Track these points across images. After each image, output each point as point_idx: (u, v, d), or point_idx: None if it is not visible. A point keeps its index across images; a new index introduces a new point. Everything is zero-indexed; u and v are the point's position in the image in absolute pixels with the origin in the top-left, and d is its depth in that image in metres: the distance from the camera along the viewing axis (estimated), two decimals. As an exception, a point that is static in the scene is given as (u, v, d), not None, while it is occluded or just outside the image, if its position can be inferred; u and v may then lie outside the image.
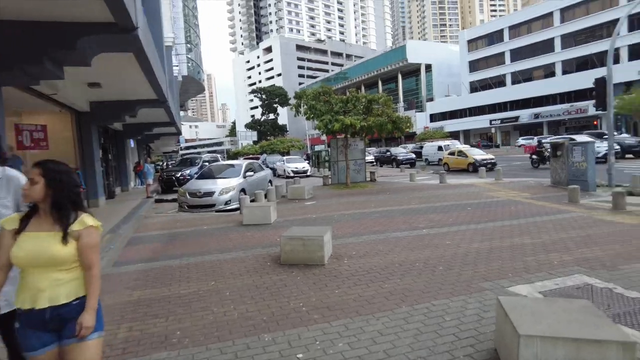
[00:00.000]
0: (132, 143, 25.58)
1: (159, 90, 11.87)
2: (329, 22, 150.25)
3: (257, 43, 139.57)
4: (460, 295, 4.34)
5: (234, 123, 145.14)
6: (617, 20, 49.38)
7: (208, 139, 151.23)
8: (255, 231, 8.43)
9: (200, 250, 7.16)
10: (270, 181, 15.61)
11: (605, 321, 2.72)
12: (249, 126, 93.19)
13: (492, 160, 22.14)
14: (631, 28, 49.53)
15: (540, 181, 15.34)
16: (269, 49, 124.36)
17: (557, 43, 56.32)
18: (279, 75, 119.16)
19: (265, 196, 13.38)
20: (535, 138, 25.20)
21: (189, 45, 36.53)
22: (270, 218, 9.12)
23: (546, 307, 2.91)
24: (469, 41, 68.74)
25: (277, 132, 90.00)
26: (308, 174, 27.37)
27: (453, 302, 4.16)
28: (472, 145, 40.75)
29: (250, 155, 49.72)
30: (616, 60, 49.92)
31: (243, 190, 12.77)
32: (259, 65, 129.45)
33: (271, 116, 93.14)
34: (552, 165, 14.34)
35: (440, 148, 31.73)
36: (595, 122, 38.96)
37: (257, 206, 9.47)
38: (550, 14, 57.21)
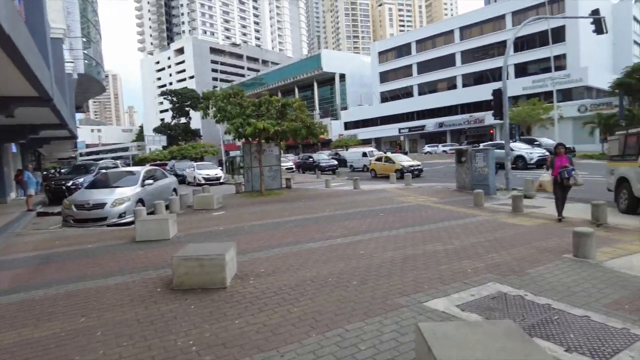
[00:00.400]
0: (13, 148, 22.12)
1: (40, 87, 10.09)
2: (244, 26, 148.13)
3: (168, 44, 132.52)
4: (375, 315, 3.89)
5: (141, 127, 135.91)
6: (505, 41, 55.35)
7: (113, 144, 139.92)
8: (149, 249, 7.33)
9: (78, 275, 5.94)
10: (175, 190, 14.26)
11: (532, 346, 2.40)
12: (158, 130, 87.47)
13: (419, 167, 22.53)
14: (516, 49, 55.70)
15: (447, 186, 16.07)
16: (180, 50, 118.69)
17: (458, 58, 61.40)
18: (192, 77, 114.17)
19: (168, 207, 12.12)
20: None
21: (84, 39, 32.90)
22: (168, 232, 8.05)
23: (471, 333, 2.52)
24: (380, 53, 72.12)
25: (189, 137, 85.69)
26: (221, 181, 26.04)
27: (368, 324, 3.69)
28: (391, 152, 42.39)
29: (158, 162, 46.44)
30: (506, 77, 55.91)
31: (141, 201, 11.38)
32: (169, 67, 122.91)
33: (183, 120, 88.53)
34: (457, 171, 15.06)
35: (364, 154, 32.01)
36: (491, 131, 42.83)
37: (153, 219, 8.31)
38: (452, 31, 62.28)
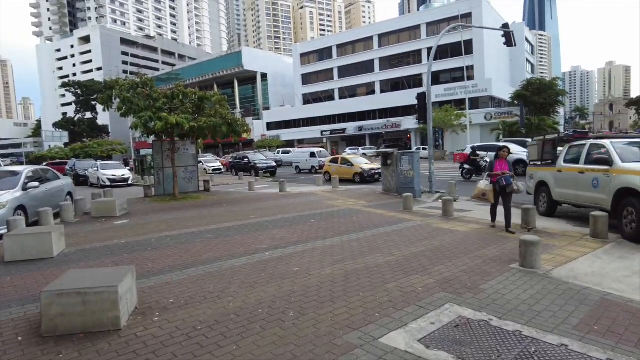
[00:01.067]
0: None
1: None
2: (159, 18, 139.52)
3: (71, 30, 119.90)
4: (323, 364, 3.00)
5: (39, 121, 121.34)
6: (419, 50, 58.29)
7: (2, 139, 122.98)
8: (20, 273, 5.64)
9: None
10: (70, 194, 12.07)
11: None
12: (58, 125, 78.17)
13: (379, 171, 19.36)
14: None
15: (372, 189, 15.82)
16: (86, 39, 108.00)
17: (377, 64, 63.43)
18: (99, 69, 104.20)
19: (58, 215, 10.10)
20: (469, 146, 23.84)
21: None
22: (51, 249, 6.37)
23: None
24: (302, 55, 72.01)
25: (95, 134, 77.83)
26: (129, 182, 23.41)
27: (315, 381, 2.78)
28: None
29: (57, 160, 41.20)
30: (420, 85, 58.92)
31: (22, 208, 9.27)
32: (73, 56, 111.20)
33: (88, 115, 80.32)
34: (383, 174, 14.85)
35: (313, 154, 30.12)
36: (408, 136, 44.71)
37: (29, 233, 6.53)
38: (371, 38, 64.17)
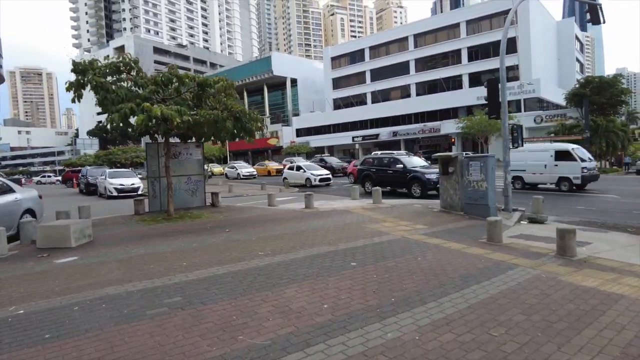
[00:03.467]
0: None
1: None
2: (191, 27, 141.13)
3: (108, 41, 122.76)
4: None
5: (77, 130, 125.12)
6: (459, 50, 54.14)
7: (43, 147, 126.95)
8: None
9: None
10: (30, 211, 9.18)
11: None
12: (92, 133, 78.62)
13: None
14: (470, 59, 54.75)
15: (427, 204, 12.24)
16: (121, 49, 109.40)
17: (412, 66, 59.55)
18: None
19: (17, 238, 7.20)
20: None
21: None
22: None
23: None
24: (333, 58, 69.10)
25: (126, 141, 77.61)
26: (140, 192, 20.76)
27: None
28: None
29: (77, 167, 39.88)
30: (459, 86, 54.67)
31: None
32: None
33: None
34: (443, 185, 11.27)
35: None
36: (452, 140, 40.61)
37: None
38: (406, 38, 60.42)
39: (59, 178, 38.10)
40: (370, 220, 9.41)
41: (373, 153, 33.80)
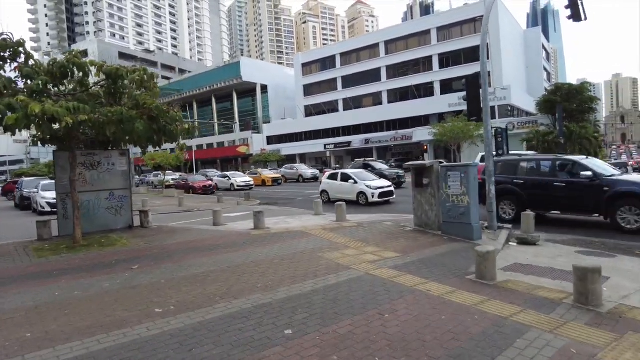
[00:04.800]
0: None
1: None
2: (159, 32, 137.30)
3: (70, 45, 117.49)
4: None
5: (34, 136, 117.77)
6: (430, 57, 53.54)
7: (2, 155, 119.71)
8: None
9: None
10: None
11: None
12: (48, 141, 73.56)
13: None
14: (441, 65, 54.29)
15: (395, 219, 10.44)
16: (84, 53, 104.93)
17: (383, 73, 58.65)
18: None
19: None
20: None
21: None
22: None
23: None
24: (304, 65, 67.59)
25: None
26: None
27: None
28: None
29: (16, 179, 36.34)
30: (431, 93, 54.04)
31: None
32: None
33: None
34: (416, 199, 9.50)
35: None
36: (424, 147, 39.45)
37: None
38: (377, 45, 59.54)
39: None
40: (329, 247, 7.50)
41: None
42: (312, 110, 65.32)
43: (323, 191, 17.53)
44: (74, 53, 7.01)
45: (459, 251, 7.26)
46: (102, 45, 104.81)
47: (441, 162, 9.50)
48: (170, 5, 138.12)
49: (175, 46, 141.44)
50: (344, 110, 61.55)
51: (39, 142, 7.89)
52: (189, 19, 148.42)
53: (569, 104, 37.99)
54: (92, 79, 7.67)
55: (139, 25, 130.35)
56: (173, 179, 35.72)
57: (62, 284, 5.58)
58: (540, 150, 30.57)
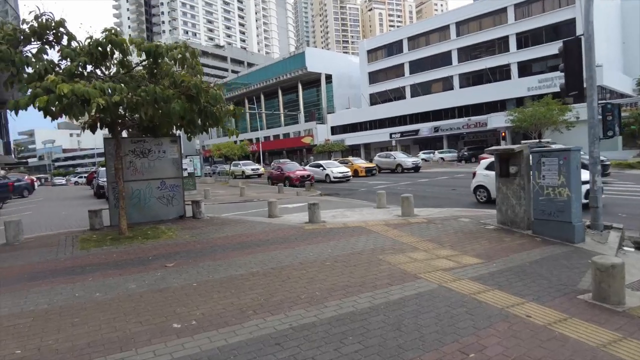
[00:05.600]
0: None
1: None
2: (229, 27, 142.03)
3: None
4: None
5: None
6: (506, 37, 49.13)
7: (91, 148, 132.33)
8: None
9: None
10: None
11: None
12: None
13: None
14: (519, 46, 49.53)
15: (477, 216, 8.91)
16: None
17: (454, 56, 54.96)
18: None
19: None
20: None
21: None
22: None
23: None
24: (369, 51, 65.52)
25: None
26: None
27: None
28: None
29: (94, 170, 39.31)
30: (507, 77, 49.58)
31: None
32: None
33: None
34: (501, 192, 7.94)
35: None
36: (503, 134, 36.17)
37: None
38: (447, 27, 55.83)
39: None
40: (393, 248, 6.31)
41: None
42: (377, 99, 63.27)
43: (479, 187, 12.83)
44: (112, 31, 6.45)
45: (559, 257, 5.71)
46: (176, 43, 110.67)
47: (540, 144, 7.79)
48: (238, 0, 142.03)
49: (243, 40, 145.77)
50: (412, 97, 58.77)
51: (88, 129, 7.54)
52: (256, 13, 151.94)
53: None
54: (135, 60, 7.13)
55: (210, 22, 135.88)
56: (253, 169, 36.76)
57: (89, 282, 5.02)
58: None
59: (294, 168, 25.95)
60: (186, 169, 20.71)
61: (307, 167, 27.00)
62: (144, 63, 7.09)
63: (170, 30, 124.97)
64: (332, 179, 24.98)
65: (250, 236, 7.53)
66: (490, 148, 8.12)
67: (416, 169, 29.91)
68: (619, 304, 3.93)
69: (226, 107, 7.24)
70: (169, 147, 9.50)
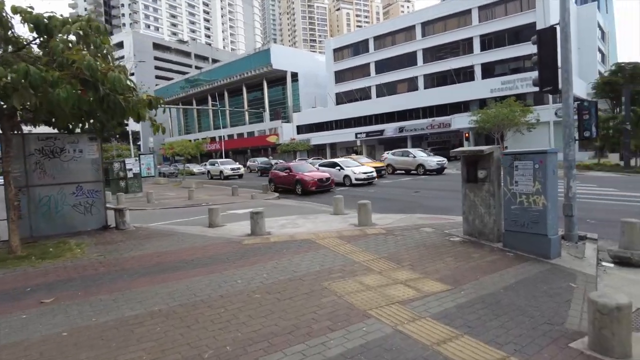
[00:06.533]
0: None
1: None
2: (193, 23, 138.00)
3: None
4: None
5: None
6: (470, 38, 49.57)
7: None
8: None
9: None
10: None
11: None
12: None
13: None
14: (483, 47, 50.12)
15: (439, 224, 7.96)
16: (120, 45, 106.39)
17: (420, 57, 55.01)
18: (132, 74, 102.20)
19: None
20: None
21: None
22: None
23: None
24: (335, 50, 64.73)
25: (122, 141, 73.62)
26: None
27: None
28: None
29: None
30: (471, 78, 50.03)
31: None
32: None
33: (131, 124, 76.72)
34: (469, 199, 7.02)
35: None
36: (466, 135, 36.08)
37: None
38: (413, 27, 55.84)
39: None
40: (342, 269, 5.19)
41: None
42: (343, 98, 62.56)
43: None
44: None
45: (537, 280, 4.79)
46: (137, 37, 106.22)
47: (507, 151, 6.93)
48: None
49: (208, 36, 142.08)
50: (377, 97, 58.42)
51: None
52: (221, 9, 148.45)
53: (633, 86, 33.61)
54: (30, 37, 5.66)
55: (173, 16, 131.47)
56: (232, 169, 32.36)
57: None
58: (600, 138, 26.80)
59: (306, 169, 19.46)
60: (131, 169, 18.96)
61: (320, 168, 21.92)
62: (36, 41, 5.64)
63: (131, 24, 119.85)
64: (354, 182, 19.96)
65: (172, 255, 6.21)
66: (456, 150, 7.17)
67: (441, 170, 24.87)
68: (625, 356, 2.98)
69: (138, 96, 5.87)
70: (87, 146, 8.00)
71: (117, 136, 70.09)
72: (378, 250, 6.13)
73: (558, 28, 6.99)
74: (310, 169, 19.41)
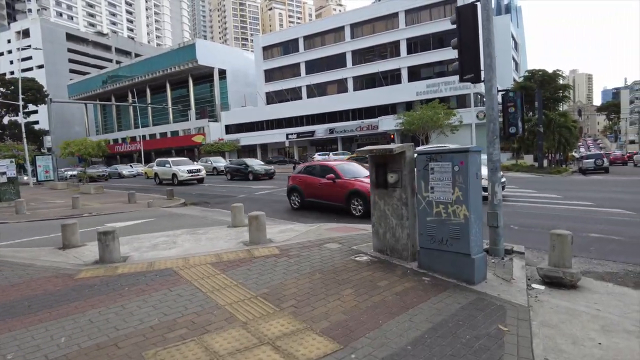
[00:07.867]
0: None
1: None
2: (114, 14, 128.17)
3: (9, 23, 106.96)
4: None
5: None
6: (397, 42, 50.30)
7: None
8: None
9: None
10: None
11: None
12: (-22, 129, 65.19)
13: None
14: (409, 51, 51.11)
15: (351, 237, 6.61)
16: (26, 33, 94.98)
17: (349, 58, 54.93)
18: (41, 67, 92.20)
19: None
20: None
21: None
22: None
23: None
24: (265, 48, 62.78)
25: (30, 139, 65.18)
26: None
27: None
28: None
29: None
30: (398, 81, 50.79)
31: None
32: (10, 52, 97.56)
33: (20, 118, 67.73)
34: (378, 208, 5.72)
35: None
36: (392, 136, 36.04)
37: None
38: (342, 28, 55.64)
39: None
40: (191, 322, 3.55)
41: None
42: (273, 98, 60.81)
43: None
44: None
45: (459, 323, 3.51)
46: (47, 25, 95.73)
47: (422, 149, 5.72)
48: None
49: (131, 30, 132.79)
50: (308, 97, 57.47)
51: None
52: (146, 1, 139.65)
53: (544, 91, 35.75)
54: None
55: (90, 6, 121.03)
56: (190, 172, 24.34)
57: None
58: (516, 140, 27.87)
59: (360, 173, 11.07)
60: (4, 173, 15.76)
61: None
62: None
63: (38, 10, 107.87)
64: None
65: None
66: (362, 149, 5.83)
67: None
68: None
69: None
70: None
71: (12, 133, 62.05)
72: (259, 282, 4.56)
73: (479, 5, 5.94)
74: (364, 174, 10.67)
